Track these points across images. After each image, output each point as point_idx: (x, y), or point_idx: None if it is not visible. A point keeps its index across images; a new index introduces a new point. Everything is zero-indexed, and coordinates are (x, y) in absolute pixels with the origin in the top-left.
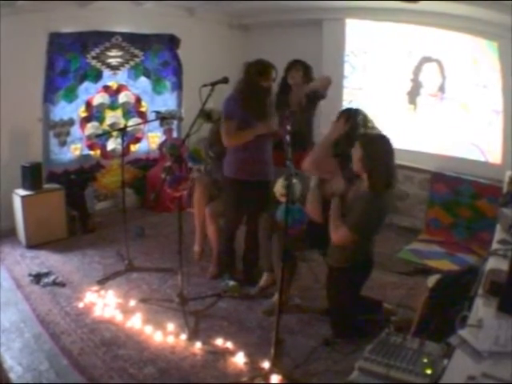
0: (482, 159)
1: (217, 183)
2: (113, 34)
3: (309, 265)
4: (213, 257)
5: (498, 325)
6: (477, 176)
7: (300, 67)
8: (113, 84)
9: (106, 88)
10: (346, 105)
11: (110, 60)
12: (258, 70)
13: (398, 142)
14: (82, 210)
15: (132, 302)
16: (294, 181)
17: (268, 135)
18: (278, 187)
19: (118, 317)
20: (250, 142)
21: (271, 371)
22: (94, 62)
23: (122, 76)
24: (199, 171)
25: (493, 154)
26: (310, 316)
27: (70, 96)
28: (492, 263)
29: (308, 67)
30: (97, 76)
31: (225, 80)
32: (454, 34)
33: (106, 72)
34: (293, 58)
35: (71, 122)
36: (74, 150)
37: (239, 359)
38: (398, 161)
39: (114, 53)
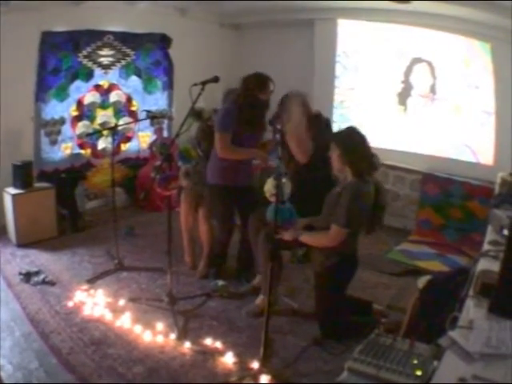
0: (474, 160)
1: (204, 185)
2: (104, 33)
3: (297, 265)
4: (203, 257)
5: (489, 326)
6: (468, 177)
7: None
8: (104, 83)
9: (98, 87)
10: (336, 105)
11: (101, 59)
12: (256, 84)
13: (388, 143)
14: (73, 208)
15: (121, 302)
16: (284, 180)
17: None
18: (268, 187)
19: (108, 316)
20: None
21: (260, 371)
22: (85, 61)
23: (113, 75)
24: (187, 174)
25: (484, 155)
26: (300, 316)
27: (62, 95)
28: (483, 264)
29: (305, 97)
30: (88, 75)
31: (215, 79)
32: (446, 34)
33: (98, 71)
34: (285, 57)
35: (62, 121)
36: (65, 148)
37: (228, 359)
38: (389, 161)
39: (105, 52)
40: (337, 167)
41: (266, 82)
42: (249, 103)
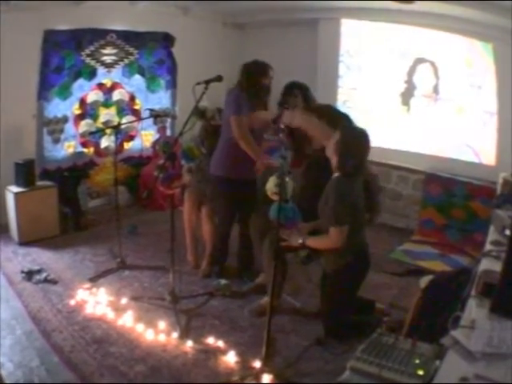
0: (476, 160)
1: (208, 183)
2: (107, 31)
3: (300, 265)
4: (205, 256)
5: (491, 326)
6: (470, 177)
7: (297, 92)
8: (107, 82)
9: (100, 85)
10: (340, 105)
11: (104, 57)
12: (258, 69)
13: (391, 143)
14: (75, 207)
15: (124, 300)
16: (287, 179)
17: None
18: (271, 186)
19: (110, 314)
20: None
21: (262, 370)
22: (88, 60)
23: (116, 74)
24: (190, 171)
25: (486, 155)
26: (302, 315)
27: (64, 93)
28: (485, 264)
29: (306, 88)
30: (91, 73)
31: (219, 78)
32: (449, 35)
33: (101, 69)
34: (288, 57)
35: (65, 120)
36: (68, 147)
37: (230, 358)
38: (391, 161)
39: (108, 50)
40: (329, 151)
41: (267, 67)
42: (252, 88)
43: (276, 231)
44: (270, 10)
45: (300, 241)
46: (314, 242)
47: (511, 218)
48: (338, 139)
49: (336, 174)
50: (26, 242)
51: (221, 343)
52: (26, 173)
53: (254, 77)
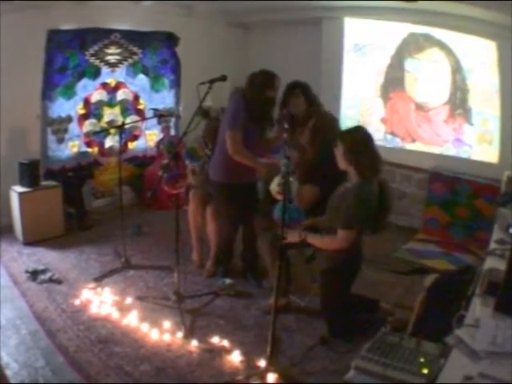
0: (480, 159)
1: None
2: (111, 31)
3: (304, 265)
4: (210, 255)
5: (495, 325)
6: (474, 175)
7: (299, 92)
8: (111, 81)
9: (105, 85)
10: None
11: (108, 57)
12: (263, 81)
13: (395, 141)
14: (79, 207)
15: (128, 300)
16: (291, 179)
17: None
18: (275, 186)
19: (115, 314)
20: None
21: (267, 370)
22: (92, 59)
23: (120, 73)
24: (194, 172)
25: (490, 153)
26: (307, 314)
27: (68, 93)
28: (489, 263)
29: (308, 88)
30: (95, 73)
31: (223, 78)
32: (453, 33)
33: (105, 69)
34: (292, 56)
35: (69, 119)
36: (72, 147)
37: (235, 357)
38: (396, 160)
39: (112, 50)
40: (341, 165)
41: (273, 78)
42: (256, 100)
43: (280, 231)
44: (273, 10)
45: (301, 236)
46: (316, 241)
47: None
48: (342, 151)
49: (356, 181)
50: (30, 241)
51: (226, 342)
52: (30, 173)
53: (259, 89)
